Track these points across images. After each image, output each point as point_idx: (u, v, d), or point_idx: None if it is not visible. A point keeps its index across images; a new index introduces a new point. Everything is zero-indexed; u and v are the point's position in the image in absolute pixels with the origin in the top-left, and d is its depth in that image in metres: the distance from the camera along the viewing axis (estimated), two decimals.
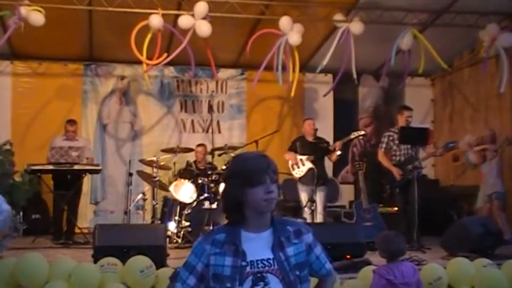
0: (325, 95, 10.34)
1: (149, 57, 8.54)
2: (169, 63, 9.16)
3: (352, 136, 8.47)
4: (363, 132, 8.85)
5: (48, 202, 9.10)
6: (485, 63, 9.20)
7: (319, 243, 2.63)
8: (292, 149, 8.65)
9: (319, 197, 8.29)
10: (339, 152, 8.38)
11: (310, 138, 8.58)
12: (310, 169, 8.30)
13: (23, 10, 7.85)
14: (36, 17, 7.95)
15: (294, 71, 9.03)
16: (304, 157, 8.42)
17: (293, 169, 8.56)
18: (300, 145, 8.62)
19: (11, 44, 9.32)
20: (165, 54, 8.70)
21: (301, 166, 8.44)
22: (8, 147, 8.09)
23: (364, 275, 5.35)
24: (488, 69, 9.32)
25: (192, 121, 10.75)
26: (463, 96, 10.74)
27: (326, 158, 8.57)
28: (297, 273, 2.50)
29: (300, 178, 8.46)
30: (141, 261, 5.19)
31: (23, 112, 9.96)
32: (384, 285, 4.37)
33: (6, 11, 8.04)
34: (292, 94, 9.40)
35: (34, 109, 9.98)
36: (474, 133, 10.01)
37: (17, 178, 8.02)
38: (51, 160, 8.33)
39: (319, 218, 8.21)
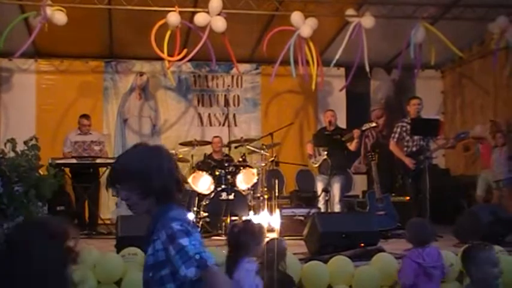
0: (341, 90, 10.39)
1: (168, 54, 8.66)
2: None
3: (363, 128, 8.60)
4: (374, 124, 8.90)
5: (72, 194, 9.25)
6: (496, 55, 9.24)
7: (179, 243, 2.17)
8: (311, 140, 8.85)
9: (336, 188, 8.30)
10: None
11: (329, 129, 8.62)
12: (324, 160, 8.38)
13: (48, 10, 7.99)
14: (60, 16, 8.09)
15: (313, 64, 9.06)
16: (321, 148, 8.52)
17: (310, 159, 8.76)
18: (315, 137, 8.81)
19: (35, 43, 9.42)
20: (185, 51, 8.80)
21: (318, 156, 8.57)
22: (34, 142, 8.33)
23: (376, 261, 5.49)
24: (497, 61, 9.34)
25: (209, 115, 10.83)
26: (473, 87, 10.74)
27: (344, 149, 8.53)
28: (150, 274, 2.25)
29: (318, 168, 8.58)
30: None
31: (47, 108, 10.12)
32: (414, 268, 4.58)
33: (33, 12, 8.19)
34: (313, 87, 9.39)
35: (57, 105, 10.13)
36: (484, 124, 10.10)
37: (42, 172, 8.27)
38: (67, 155, 8.51)
39: (336, 209, 8.23)
